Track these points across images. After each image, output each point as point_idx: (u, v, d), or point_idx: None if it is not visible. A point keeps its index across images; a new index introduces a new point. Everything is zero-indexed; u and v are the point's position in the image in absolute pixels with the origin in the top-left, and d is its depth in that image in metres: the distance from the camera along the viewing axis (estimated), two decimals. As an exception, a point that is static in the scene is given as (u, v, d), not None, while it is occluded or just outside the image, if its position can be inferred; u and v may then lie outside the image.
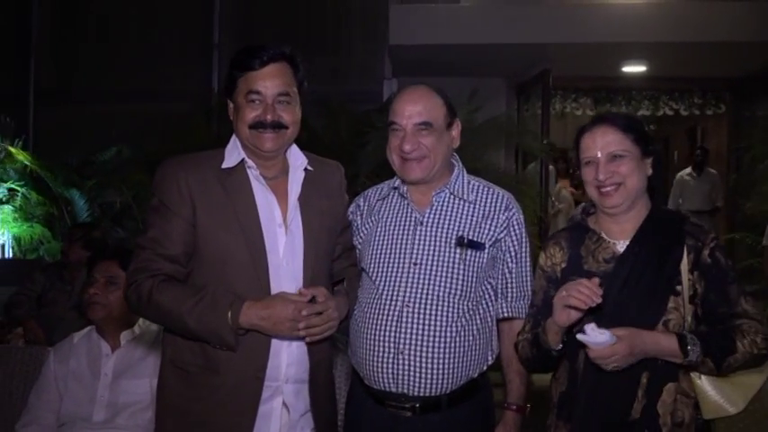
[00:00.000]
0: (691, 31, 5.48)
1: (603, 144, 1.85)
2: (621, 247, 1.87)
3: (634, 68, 6.64)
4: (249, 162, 1.87)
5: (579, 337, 1.68)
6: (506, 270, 2.01)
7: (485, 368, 2.00)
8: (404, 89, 2.05)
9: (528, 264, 2.04)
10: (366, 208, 2.11)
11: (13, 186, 5.89)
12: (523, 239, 2.03)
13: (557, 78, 6.29)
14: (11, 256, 6.04)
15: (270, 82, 1.82)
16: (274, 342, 1.80)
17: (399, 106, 1.98)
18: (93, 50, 6.81)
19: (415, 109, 1.96)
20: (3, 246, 6.00)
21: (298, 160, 1.93)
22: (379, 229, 2.03)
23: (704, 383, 1.75)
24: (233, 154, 1.88)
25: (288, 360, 1.83)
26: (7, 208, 5.84)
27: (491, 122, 5.22)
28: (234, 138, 1.91)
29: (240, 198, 1.84)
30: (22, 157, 5.94)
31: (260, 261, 1.81)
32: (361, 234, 2.08)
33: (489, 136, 5.27)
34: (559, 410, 1.89)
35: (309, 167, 1.94)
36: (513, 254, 2.01)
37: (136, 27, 6.76)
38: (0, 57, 6.85)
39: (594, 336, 1.67)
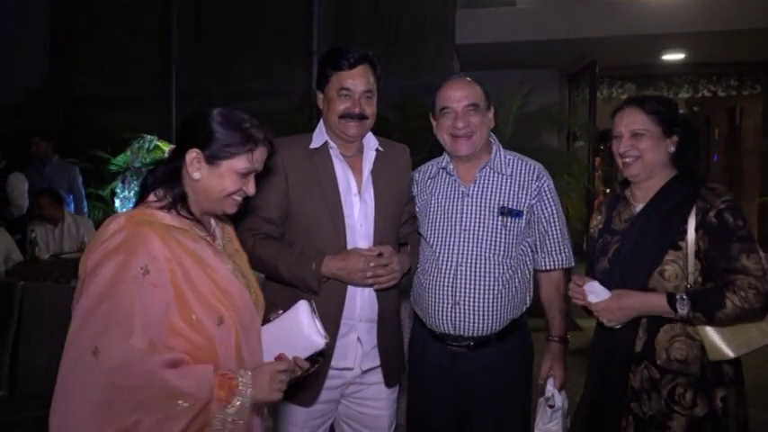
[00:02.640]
0: (725, 19, 5.13)
1: (628, 122, 1.82)
2: (639, 208, 1.84)
3: (673, 56, 6.27)
4: (331, 143, 1.92)
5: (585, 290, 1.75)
6: (542, 230, 2.00)
7: (524, 309, 2.01)
8: (449, 80, 2.03)
9: (561, 221, 2.01)
10: (420, 181, 2.12)
11: (161, 170, 6.23)
12: (554, 202, 2.00)
13: (603, 67, 6.06)
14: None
15: (358, 80, 1.86)
16: (350, 288, 1.86)
17: (450, 93, 1.97)
18: (219, 59, 7.03)
19: (463, 93, 1.96)
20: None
21: (371, 142, 1.97)
22: (432, 203, 2.04)
23: (706, 328, 1.69)
24: (318, 137, 1.94)
25: (361, 303, 1.88)
26: (157, 189, 6.20)
27: (544, 109, 5.11)
28: (320, 123, 1.97)
29: (323, 172, 1.90)
30: (166, 147, 6.26)
31: (338, 223, 1.87)
32: (418, 204, 2.09)
33: (543, 120, 5.17)
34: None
35: (381, 148, 1.97)
36: (546, 215, 1.99)
37: (251, 39, 6.91)
38: (148, 67, 7.18)
39: (592, 289, 1.74)
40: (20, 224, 4.86)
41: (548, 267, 2.01)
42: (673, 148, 1.81)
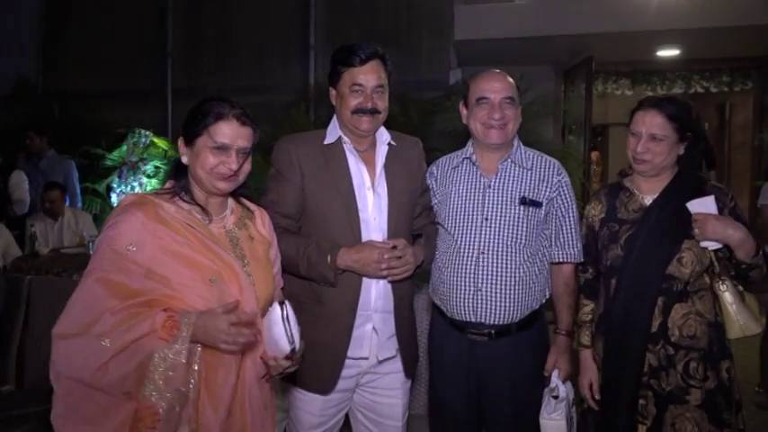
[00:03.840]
0: (720, 16, 5.18)
1: (650, 125, 1.92)
2: (648, 200, 1.96)
3: (668, 52, 6.31)
4: (345, 138, 1.94)
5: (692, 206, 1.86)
6: (558, 223, 2.04)
7: (543, 301, 2.05)
8: (485, 72, 2.06)
9: (576, 217, 2.06)
10: (440, 174, 2.14)
11: (157, 164, 6.22)
12: (571, 198, 2.05)
13: (599, 63, 6.07)
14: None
15: (370, 76, 1.88)
16: (365, 280, 1.89)
17: (488, 84, 2.01)
18: (215, 54, 6.99)
19: (501, 86, 2.00)
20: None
21: (383, 136, 2.00)
22: (453, 193, 2.07)
23: (732, 311, 1.86)
24: (332, 132, 1.96)
25: (376, 294, 1.91)
26: (154, 181, 6.18)
27: (541, 104, 5.15)
28: (333, 119, 1.99)
29: (337, 167, 1.92)
30: (162, 143, 6.24)
31: (353, 216, 1.89)
32: (437, 196, 2.12)
33: (539, 115, 5.21)
34: (598, 327, 2.02)
35: (393, 142, 2.00)
36: (563, 210, 2.03)
37: (247, 34, 6.87)
38: (143, 63, 7.13)
39: (706, 202, 1.85)
40: (18, 220, 4.85)
41: (560, 260, 2.05)
42: (682, 151, 1.94)
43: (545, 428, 1.98)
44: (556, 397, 1.99)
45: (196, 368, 1.44)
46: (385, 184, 1.96)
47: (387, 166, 1.97)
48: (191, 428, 1.43)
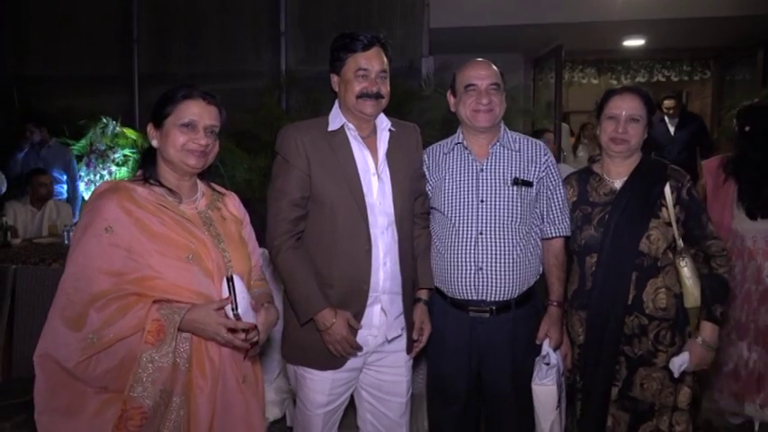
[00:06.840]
0: (683, 7, 5.41)
1: (629, 107, 2.07)
2: (618, 184, 2.13)
3: (633, 42, 6.53)
4: (349, 125, 1.97)
5: (675, 368, 2.05)
6: (548, 201, 2.13)
7: (538, 277, 2.15)
8: (470, 61, 2.14)
9: (563, 194, 2.16)
10: (432, 162, 2.20)
11: (126, 153, 6.09)
12: (558, 176, 2.15)
13: (567, 52, 6.23)
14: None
15: (374, 61, 1.92)
16: (373, 263, 1.94)
17: (475, 72, 2.09)
18: (184, 39, 6.84)
19: (487, 73, 2.08)
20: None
21: (383, 123, 2.04)
22: (447, 177, 2.13)
23: (690, 284, 2.05)
24: (335, 119, 1.99)
25: (384, 276, 1.97)
26: (124, 169, 6.06)
27: (511, 92, 5.26)
28: (335, 107, 2.02)
29: (343, 154, 1.96)
30: (129, 133, 6.11)
31: (359, 201, 1.93)
32: (431, 182, 2.18)
33: (510, 103, 5.31)
34: (572, 302, 2.18)
35: (393, 128, 2.04)
36: (552, 188, 2.13)
37: (217, 19, 6.78)
38: (108, 48, 6.95)
39: (680, 361, 2.04)
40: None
41: (551, 235, 2.14)
42: (645, 135, 2.12)
43: (537, 394, 2.09)
44: (547, 364, 2.11)
45: (184, 358, 1.53)
46: (388, 170, 2.01)
47: (389, 153, 2.02)
48: (176, 419, 1.53)
